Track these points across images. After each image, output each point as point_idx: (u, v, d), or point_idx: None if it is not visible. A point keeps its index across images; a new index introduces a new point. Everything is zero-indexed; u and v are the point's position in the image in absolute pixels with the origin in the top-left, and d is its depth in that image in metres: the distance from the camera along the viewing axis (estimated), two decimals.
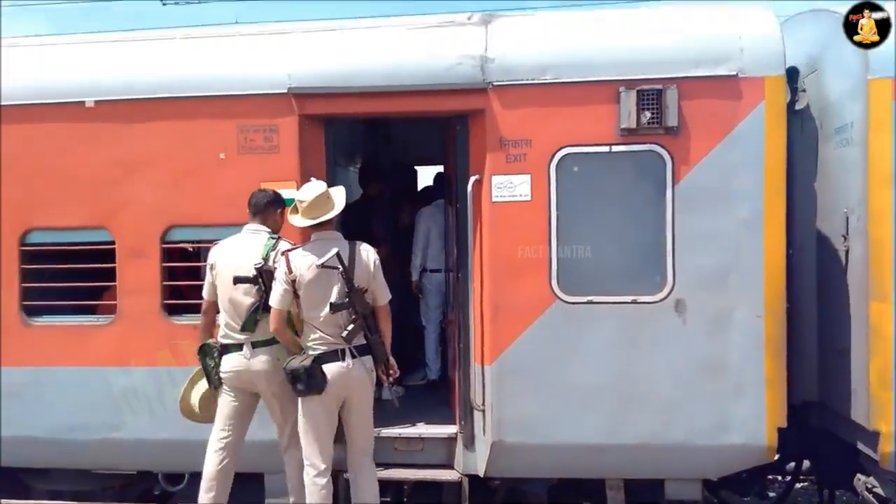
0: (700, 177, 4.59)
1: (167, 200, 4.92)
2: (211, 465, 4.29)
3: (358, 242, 4.23)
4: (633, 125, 4.57)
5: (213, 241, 4.89)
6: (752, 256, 4.55)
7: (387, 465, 5.04)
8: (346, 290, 3.99)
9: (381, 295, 4.16)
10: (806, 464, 6.18)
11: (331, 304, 3.98)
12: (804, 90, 5.20)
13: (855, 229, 4.67)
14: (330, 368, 3.99)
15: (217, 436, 4.33)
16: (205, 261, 5.04)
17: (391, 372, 4.20)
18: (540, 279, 4.69)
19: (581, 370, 4.65)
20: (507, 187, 4.73)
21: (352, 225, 5.92)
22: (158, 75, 4.98)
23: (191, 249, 5.33)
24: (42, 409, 5.04)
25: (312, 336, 4.05)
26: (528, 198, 4.70)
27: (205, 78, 4.94)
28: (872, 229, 4.49)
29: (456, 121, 4.90)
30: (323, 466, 4.10)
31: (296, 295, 4.04)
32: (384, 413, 5.59)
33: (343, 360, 4.00)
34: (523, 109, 4.69)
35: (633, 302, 4.65)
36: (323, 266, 4.00)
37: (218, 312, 4.34)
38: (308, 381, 3.92)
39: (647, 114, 4.57)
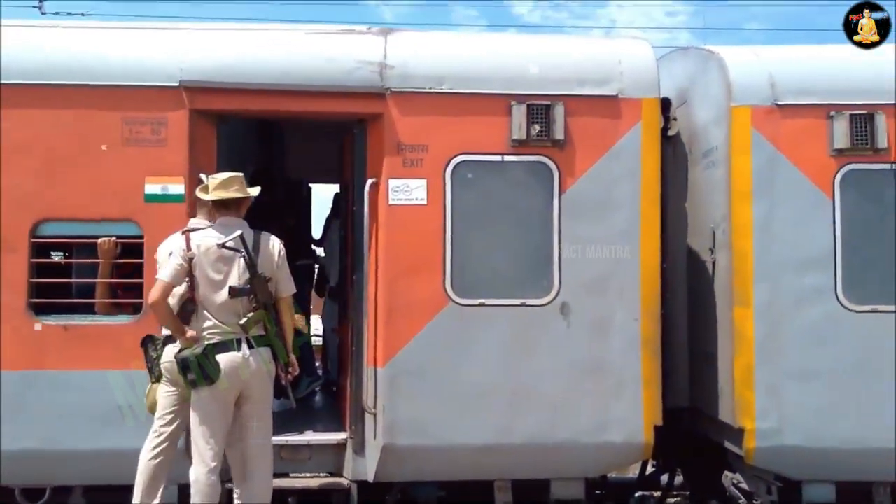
0: (584, 187, 4.88)
1: (39, 191, 4.61)
2: (144, 462, 3.95)
3: (264, 231, 4.12)
4: (524, 137, 4.81)
5: (90, 237, 4.66)
6: (630, 262, 4.85)
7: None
8: (248, 275, 3.84)
9: (285, 286, 4.04)
10: (678, 479, 6.54)
11: (230, 287, 3.82)
12: (675, 119, 5.69)
13: (720, 242, 5.10)
14: (225, 358, 3.79)
15: (156, 430, 4.01)
16: (81, 257, 4.80)
17: (290, 369, 4.03)
18: (434, 281, 4.77)
19: (473, 371, 4.74)
20: (404, 191, 4.81)
21: None
22: (38, 61, 4.72)
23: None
24: None
25: (207, 324, 3.85)
26: (424, 201, 4.80)
27: (90, 66, 4.72)
28: (735, 241, 4.93)
29: (354, 125, 4.96)
30: (213, 464, 3.86)
31: (191, 276, 3.85)
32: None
33: (238, 349, 3.82)
34: (421, 117, 4.83)
35: (523, 305, 4.81)
36: (224, 246, 3.85)
37: None
38: (200, 370, 3.70)
39: (537, 127, 4.83)
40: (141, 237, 4.59)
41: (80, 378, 4.54)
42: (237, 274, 3.85)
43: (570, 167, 4.87)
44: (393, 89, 4.79)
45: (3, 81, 4.63)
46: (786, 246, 4.87)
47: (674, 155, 5.63)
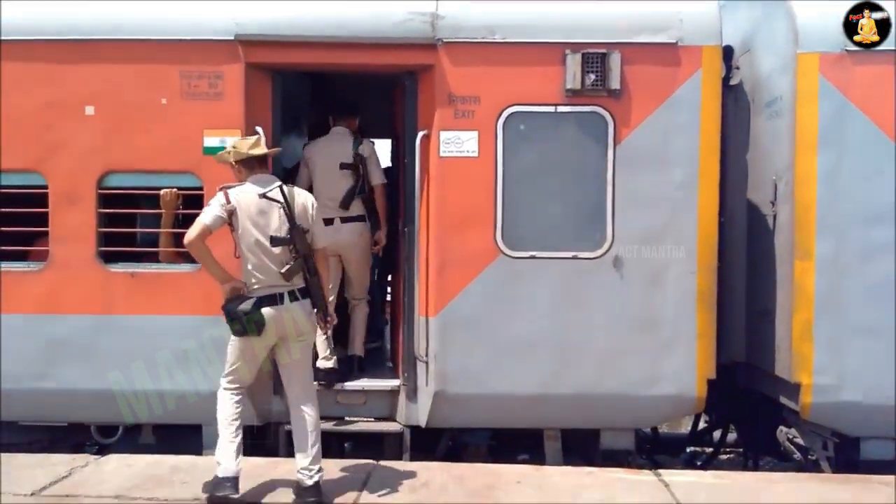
0: (640, 138, 4.77)
1: (105, 145, 4.79)
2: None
3: (295, 186, 4.20)
4: (578, 86, 4.72)
5: (151, 189, 4.84)
6: (686, 215, 4.76)
7: (328, 419, 5.05)
8: (288, 225, 3.94)
9: (320, 238, 4.11)
10: (731, 435, 6.49)
11: (271, 237, 3.91)
12: (738, 68, 5.48)
13: (782, 194, 4.94)
14: (269, 312, 3.90)
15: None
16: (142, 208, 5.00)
17: (329, 319, 4.12)
18: (485, 234, 4.78)
19: (523, 323, 4.77)
20: (455, 143, 4.80)
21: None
22: (99, 16, 4.85)
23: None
24: None
25: (251, 280, 3.96)
26: (476, 154, 4.79)
27: (148, 20, 4.83)
28: (798, 193, 4.77)
29: (405, 76, 4.95)
30: (238, 386, 4.03)
31: (232, 229, 3.96)
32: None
33: (282, 302, 3.93)
34: (472, 67, 4.78)
35: (574, 258, 4.79)
36: (265, 196, 3.94)
37: None
38: (248, 325, 3.84)
39: (592, 76, 4.72)
40: (201, 189, 4.74)
41: (146, 323, 4.78)
42: (277, 224, 3.94)
43: (626, 117, 4.77)
44: (444, 40, 4.75)
45: (69, 37, 4.78)
46: (852, 198, 4.69)
47: (735, 105, 5.45)
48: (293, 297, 3.96)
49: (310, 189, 4.99)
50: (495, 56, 4.77)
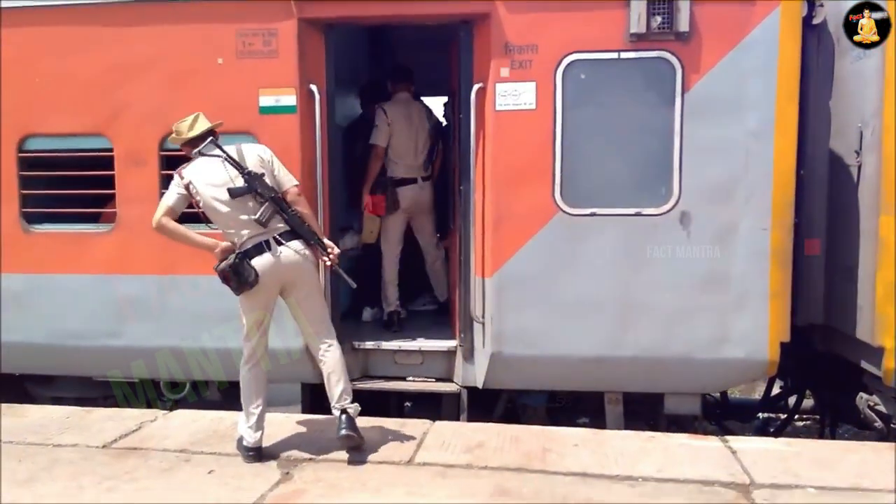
0: (710, 85, 4.46)
1: (164, 106, 4.84)
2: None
3: (243, 143, 4.11)
4: (643, 30, 4.43)
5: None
6: (760, 167, 4.44)
7: (386, 378, 5.08)
8: (241, 175, 3.89)
9: (285, 179, 4.02)
10: (808, 402, 6.16)
11: (228, 189, 3.87)
12: (822, 5, 5.00)
13: (868, 144, 4.54)
14: (259, 262, 3.87)
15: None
16: None
17: (329, 251, 4.01)
18: (543, 190, 4.61)
19: (582, 283, 4.60)
20: (512, 95, 4.61)
21: (345, 143, 5.88)
22: None
23: None
24: (43, 316, 5.06)
25: (234, 240, 3.93)
26: (533, 106, 4.59)
27: None
28: (886, 141, 4.37)
29: (460, 27, 4.76)
30: (251, 360, 4.04)
31: (198, 205, 3.95)
32: (382, 328, 5.65)
33: (270, 249, 3.90)
34: (529, 14, 4.55)
35: (637, 214, 4.57)
36: (202, 153, 3.94)
37: None
38: (237, 278, 3.83)
39: (658, 18, 4.42)
40: None
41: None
42: (229, 177, 3.90)
43: (696, 63, 4.45)
44: None
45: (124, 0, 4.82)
46: None
47: (818, 46, 4.98)
48: (279, 241, 3.92)
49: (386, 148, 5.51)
50: (553, 1, 4.52)
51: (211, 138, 4.04)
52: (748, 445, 4.19)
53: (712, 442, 4.25)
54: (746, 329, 4.50)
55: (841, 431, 6.16)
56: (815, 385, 5.87)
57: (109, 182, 4.97)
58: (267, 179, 3.96)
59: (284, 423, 4.52)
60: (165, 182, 4.91)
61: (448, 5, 4.62)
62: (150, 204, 4.85)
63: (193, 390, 5.19)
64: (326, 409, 4.86)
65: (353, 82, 6.38)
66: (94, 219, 5.17)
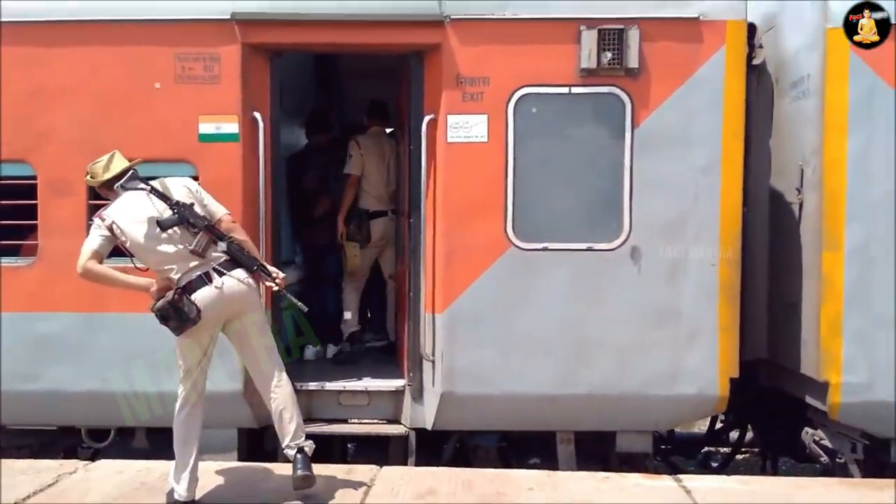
0: (659, 121, 4.50)
1: (95, 132, 4.53)
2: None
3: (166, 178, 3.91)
4: (594, 65, 4.44)
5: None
6: (708, 202, 4.48)
7: (330, 421, 4.82)
8: (168, 207, 3.67)
9: (216, 209, 3.81)
10: (749, 436, 6.22)
11: (157, 221, 3.64)
12: (761, 46, 5.17)
13: (809, 181, 4.65)
14: (200, 295, 3.62)
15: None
16: None
17: (274, 277, 3.79)
18: (495, 224, 4.52)
19: (535, 318, 4.51)
20: (464, 127, 4.54)
21: (289, 174, 5.70)
22: None
23: None
24: None
25: (170, 276, 3.67)
26: (485, 139, 4.52)
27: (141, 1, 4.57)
28: (827, 179, 4.48)
29: (411, 57, 4.68)
30: (185, 402, 3.78)
31: (124, 247, 3.71)
32: (326, 367, 5.41)
33: (211, 281, 3.66)
34: (481, 46, 4.51)
35: (589, 249, 4.53)
36: (124, 187, 3.72)
37: None
38: (178, 315, 3.56)
39: (608, 54, 4.44)
40: (196, 178, 4.46)
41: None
42: (156, 211, 3.68)
43: (645, 98, 4.49)
44: (452, 16, 4.47)
45: (53, 19, 4.53)
46: (883, 183, 4.40)
47: (758, 86, 5.14)
48: (220, 272, 3.68)
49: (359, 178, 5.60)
50: (506, 33, 4.50)
51: (132, 171, 3.79)
52: (701, 484, 4.14)
53: (666, 482, 4.18)
54: (697, 365, 4.49)
55: (781, 465, 6.22)
56: (756, 419, 5.92)
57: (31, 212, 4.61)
58: (197, 209, 3.73)
59: (219, 473, 4.20)
60: (93, 212, 4.62)
61: (399, 34, 4.53)
62: (77, 236, 4.57)
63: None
64: (264, 456, 4.60)
65: (298, 111, 6.20)
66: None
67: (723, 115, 4.45)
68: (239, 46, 4.50)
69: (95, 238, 3.68)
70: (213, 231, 3.69)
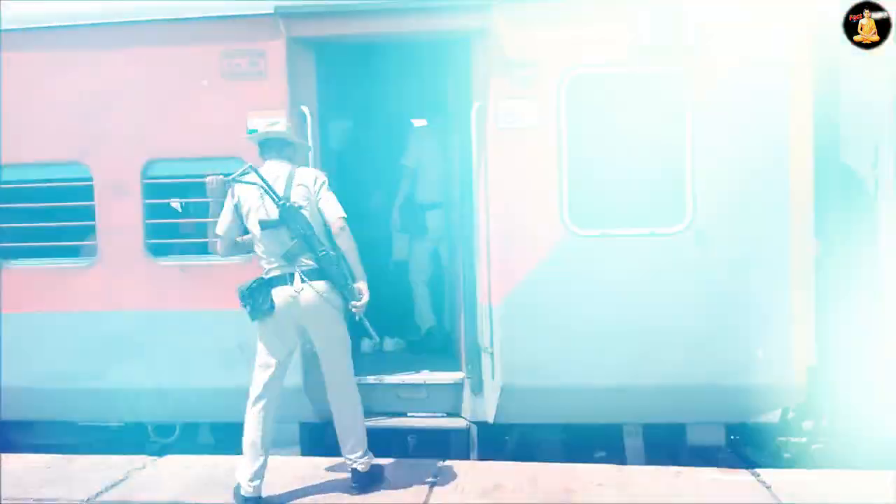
0: (721, 99, 4.25)
1: (148, 132, 4.57)
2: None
3: (301, 167, 3.90)
4: (651, 43, 4.22)
5: (197, 176, 4.60)
6: (778, 182, 4.23)
7: (389, 415, 4.78)
8: (277, 206, 3.67)
9: (331, 211, 3.76)
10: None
11: (259, 221, 3.69)
12: None
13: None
14: (277, 292, 3.69)
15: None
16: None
17: (357, 298, 3.73)
18: (550, 211, 4.37)
19: (595, 308, 4.35)
20: (514, 113, 4.38)
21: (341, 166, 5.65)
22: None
23: None
24: (23, 358, 4.73)
25: (263, 265, 3.78)
26: (536, 124, 4.36)
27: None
28: None
29: (458, 45, 4.54)
30: (257, 401, 3.79)
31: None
32: (384, 360, 5.36)
33: (291, 283, 3.68)
34: (530, 29, 4.33)
35: (651, 234, 4.33)
36: (236, 181, 3.75)
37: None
38: (252, 303, 3.67)
39: (664, 32, 4.21)
40: None
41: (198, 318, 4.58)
42: (266, 208, 3.70)
43: (705, 76, 4.25)
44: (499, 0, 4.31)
45: (103, 21, 4.56)
46: None
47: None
48: (304, 278, 3.68)
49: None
50: (556, 14, 4.31)
51: (248, 165, 3.82)
52: (782, 478, 3.93)
53: (743, 476, 3.98)
54: (771, 354, 4.26)
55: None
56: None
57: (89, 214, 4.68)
58: (309, 209, 3.72)
59: (283, 468, 4.21)
60: (150, 211, 4.67)
61: (444, 21, 4.39)
62: (134, 235, 4.63)
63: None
64: (327, 449, 4.60)
65: (345, 102, 6.14)
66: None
67: (790, 90, 4.18)
68: (283, 41, 4.45)
69: (222, 217, 3.83)
70: (308, 240, 3.68)
